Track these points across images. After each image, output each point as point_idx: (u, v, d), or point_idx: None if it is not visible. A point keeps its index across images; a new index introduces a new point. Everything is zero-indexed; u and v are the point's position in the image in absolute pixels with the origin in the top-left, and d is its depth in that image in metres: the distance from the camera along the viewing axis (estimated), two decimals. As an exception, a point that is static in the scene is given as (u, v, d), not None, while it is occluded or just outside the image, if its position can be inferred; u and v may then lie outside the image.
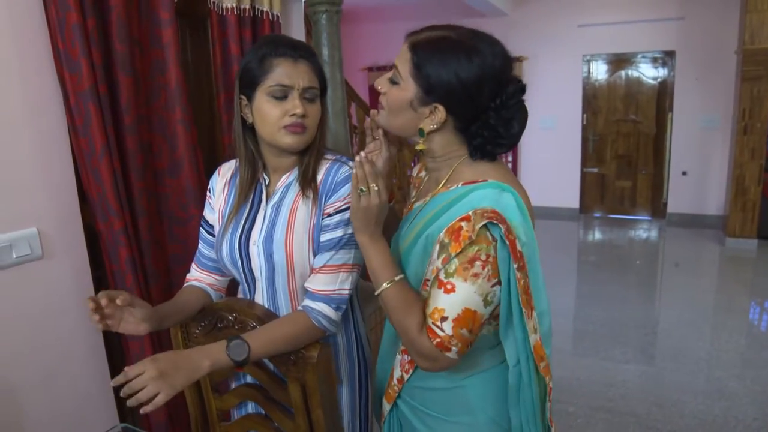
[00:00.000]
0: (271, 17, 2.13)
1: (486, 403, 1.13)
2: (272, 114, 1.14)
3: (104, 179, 1.56)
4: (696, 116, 6.28)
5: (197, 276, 1.35)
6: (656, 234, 6.39)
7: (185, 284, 1.35)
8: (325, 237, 1.18)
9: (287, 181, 1.23)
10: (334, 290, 1.16)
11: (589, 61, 6.76)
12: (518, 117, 1.04)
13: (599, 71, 6.78)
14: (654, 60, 6.51)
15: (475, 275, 0.97)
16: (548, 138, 6.89)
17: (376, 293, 1.05)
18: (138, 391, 0.99)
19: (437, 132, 1.05)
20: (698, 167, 6.38)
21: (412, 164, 5.39)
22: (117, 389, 1.74)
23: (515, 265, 0.97)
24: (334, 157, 1.23)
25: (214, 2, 1.94)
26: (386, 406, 1.23)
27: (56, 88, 1.53)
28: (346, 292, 1.17)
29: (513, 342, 1.03)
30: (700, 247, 5.74)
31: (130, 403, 0.99)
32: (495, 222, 0.95)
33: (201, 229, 1.36)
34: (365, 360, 1.36)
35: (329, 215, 1.18)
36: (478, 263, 0.97)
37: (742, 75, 5.11)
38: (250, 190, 1.26)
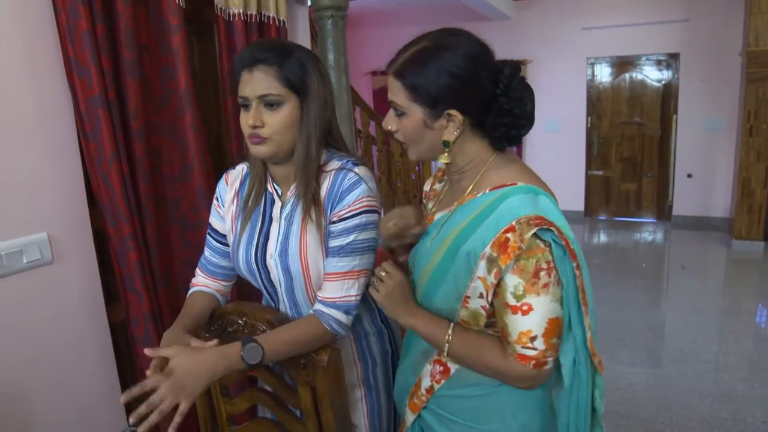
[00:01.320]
0: (277, 23, 2.14)
1: (518, 409, 1.11)
2: (242, 125, 1.15)
3: (114, 184, 1.57)
4: (701, 118, 6.27)
5: (204, 282, 1.35)
6: (662, 236, 6.37)
7: (192, 289, 1.35)
8: (330, 244, 1.18)
9: (295, 191, 1.22)
10: (341, 297, 1.16)
11: (593, 64, 6.76)
12: (526, 95, 1.05)
13: (603, 74, 6.78)
14: (658, 62, 6.50)
15: (545, 285, 0.96)
16: (553, 141, 6.88)
17: (444, 356, 1.09)
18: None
19: (458, 138, 1.05)
20: (703, 169, 6.36)
21: (417, 168, 5.39)
22: (124, 384, 1.76)
23: (574, 264, 0.98)
24: (339, 163, 1.20)
25: (221, 8, 1.96)
26: (410, 416, 1.21)
27: (66, 94, 1.54)
28: (353, 298, 1.17)
29: (572, 342, 1.01)
30: (706, 249, 5.72)
31: (151, 419, 0.99)
32: (545, 227, 0.95)
33: (208, 236, 1.36)
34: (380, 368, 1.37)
35: (334, 223, 1.17)
36: (542, 273, 0.96)
37: (746, 77, 5.10)
38: (258, 201, 1.26)
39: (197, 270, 1.38)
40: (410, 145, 1.09)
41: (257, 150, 1.15)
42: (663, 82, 6.51)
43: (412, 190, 5.79)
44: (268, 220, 1.25)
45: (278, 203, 1.25)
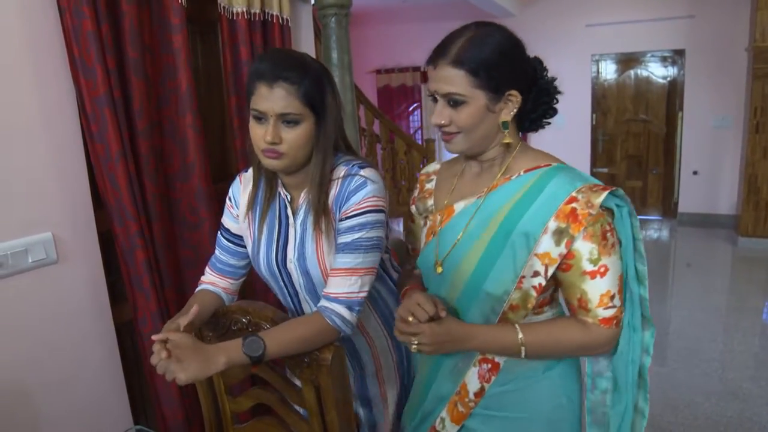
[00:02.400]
0: (281, 21, 2.14)
1: (566, 383, 1.16)
2: (255, 135, 1.16)
3: (120, 184, 1.58)
4: (707, 115, 6.23)
5: (212, 279, 1.37)
6: (667, 234, 6.34)
7: (199, 287, 1.37)
8: (338, 240, 1.20)
9: (307, 197, 1.24)
10: (344, 293, 1.17)
11: (597, 61, 6.73)
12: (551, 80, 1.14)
13: (608, 71, 6.75)
14: (663, 59, 6.46)
15: (612, 245, 1.04)
16: (557, 138, 6.82)
17: (526, 357, 1.08)
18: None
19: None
20: (709, 166, 6.32)
21: (421, 165, 5.38)
22: (131, 392, 1.77)
23: (637, 222, 1.06)
24: (345, 169, 1.21)
25: (224, 7, 1.96)
26: (450, 428, 1.19)
27: (72, 94, 1.55)
28: (356, 295, 1.18)
29: (630, 299, 1.08)
30: (712, 246, 5.69)
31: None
32: (611, 191, 1.03)
33: (220, 235, 1.38)
34: (409, 359, 1.42)
35: (341, 220, 1.19)
36: (609, 235, 1.03)
37: (753, 73, 5.06)
38: (270, 204, 1.28)
39: (207, 268, 1.40)
40: (465, 134, 1.07)
41: (271, 163, 1.17)
42: (668, 78, 6.48)
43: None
44: (285, 225, 1.28)
45: (290, 209, 1.27)
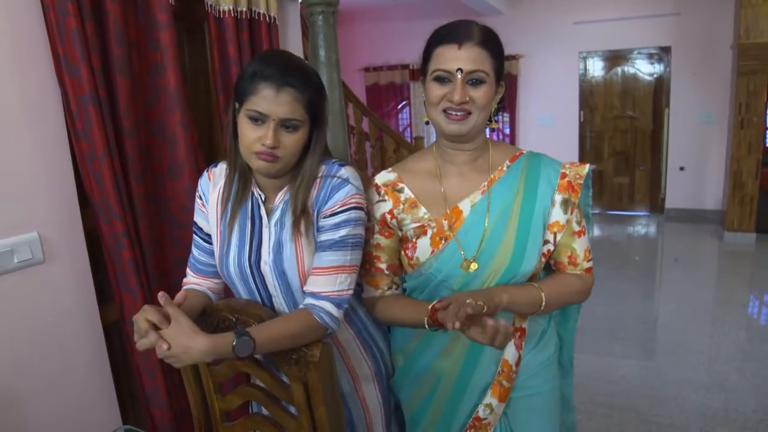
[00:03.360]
0: (268, 19, 2.14)
1: (555, 333, 1.39)
2: (248, 135, 1.13)
3: (106, 182, 1.57)
4: (692, 111, 6.29)
5: (194, 281, 1.35)
6: (655, 229, 6.40)
7: (184, 288, 1.35)
8: (321, 237, 1.19)
9: (285, 197, 1.22)
10: (333, 291, 1.17)
11: (585, 58, 6.78)
12: None
13: (595, 68, 6.79)
14: (650, 56, 6.52)
15: (581, 211, 1.27)
16: (545, 135, 6.90)
17: (542, 310, 1.20)
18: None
19: None
20: (696, 162, 6.39)
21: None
22: (120, 392, 1.76)
23: (590, 192, 1.29)
24: (325, 168, 1.21)
25: (211, 5, 1.95)
26: (497, 407, 1.26)
27: (56, 92, 1.54)
28: (345, 292, 1.18)
29: None
30: (699, 241, 5.75)
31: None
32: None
33: (194, 235, 1.35)
34: (389, 358, 1.41)
35: (325, 217, 1.18)
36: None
37: (737, 70, 5.12)
38: (242, 203, 1.25)
39: (187, 270, 1.37)
40: (477, 114, 1.14)
41: (264, 166, 1.14)
42: (655, 75, 6.54)
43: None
44: (258, 225, 1.25)
45: (264, 209, 1.25)
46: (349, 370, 1.35)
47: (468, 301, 1.00)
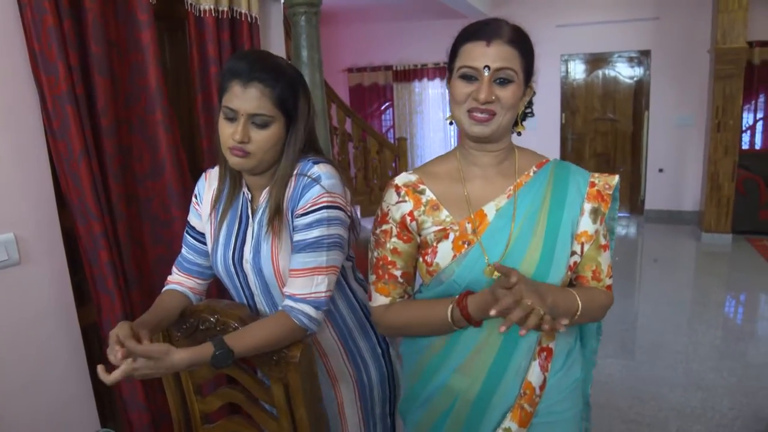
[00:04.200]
0: (249, 19, 2.13)
1: (579, 359, 1.27)
2: (223, 132, 1.15)
3: (83, 182, 1.55)
4: (671, 114, 6.40)
5: (178, 279, 1.35)
6: (634, 230, 6.49)
7: (165, 287, 1.35)
8: (296, 238, 1.18)
9: (267, 197, 1.23)
10: (310, 293, 1.16)
11: (567, 61, 6.85)
12: None
13: (577, 71, 6.87)
14: (630, 59, 6.61)
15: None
16: (527, 137, 6.69)
17: (574, 320, 1.08)
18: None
19: None
20: (674, 164, 6.49)
21: (393, 165, 5.39)
22: (98, 395, 1.74)
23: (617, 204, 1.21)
24: (299, 165, 1.21)
25: (191, 4, 1.93)
26: (517, 431, 1.14)
27: (33, 90, 1.51)
28: (323, 294, 1.17)
29: None
30: (677, 242, 5.84)
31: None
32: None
33: (186, 233, 1.36)
34: (391, 360, 1.42)
35: (298, 217, 1.17)
36: None
37: (714, 74, 5.21)
38: (231, 203, 1.27)
39: (173, 267, 1.37)
40: (502, 115, 1.08)
41: (237, 162, 1.16)
42: (635, 78, 6.63)
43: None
44: (244, 224, 1.26)
45: (250, 208, 1.26)
46: (329, 373, 1.35)
47: (528, 302, 0.93)
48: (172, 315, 1.26)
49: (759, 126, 6.24)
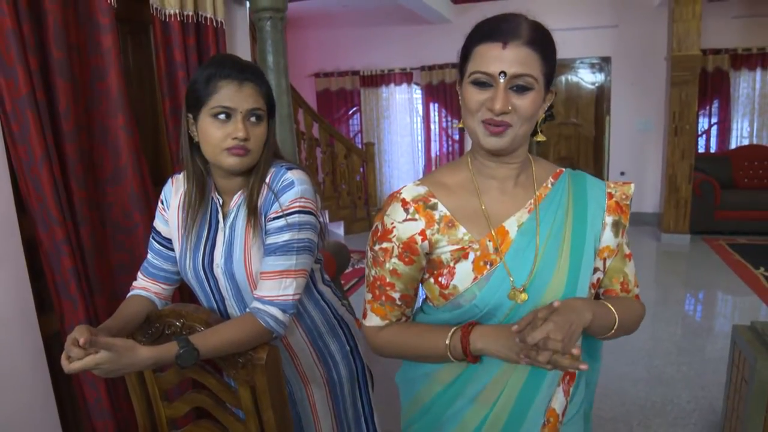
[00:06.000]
0: (215, 24, 2.13)
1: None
2: (215, 135, 1.16)
3: (45, 188, 1.52)
4: (632, 119, 6.60)
5: (143, 284, 1.34)
6: (598, 232, 6.64)
7: (130, 293, 1.34)
8: (267, 241, 1.19)
9: (239, 200, 1.24)
10: (278, 296, 1.17)
11: (531, 67, 6.98)
12: None
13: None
14: (592, 65, 6.80)
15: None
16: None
17: (610, 335, 1.04)
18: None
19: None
20: (635, 167, 6.69)
21: (361, 170, 5.41)
22: (61, 405, 1.70)
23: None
24: (273, 170, 1.23)
25: (156, 8, 1.92)
26: None
27: (-10, 95, 1.48)
28: (290, 297, 1.18)
29: None
30: (638, 242, 6.01)
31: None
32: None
33: (151, 239, 1.35)
34: (362, 360, 1.44)
35: (271, 220, 1.19)
36: None
37: (671, 80, 5.40)
38: (200, 209, 1.27)
39: (139, 273, 1.37)
40: (519, 126, 0.96)
41: (238, 161, 1.17)
42: (596, 84, 6.82)
43: (357, 192, 5.82)
44: (214, 229, 1.27)
45: (221, 213, 1.27)
46: (300, 374, 1.36)
47: (556, 337, 0.84)
48: (136, 320, 1.25)
49: (714, 130, 6.49)
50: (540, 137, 1.06)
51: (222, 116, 1.15)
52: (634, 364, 3.23)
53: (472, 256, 1.01)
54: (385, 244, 1.04)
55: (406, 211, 1.03)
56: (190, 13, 2.02)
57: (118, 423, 1.75)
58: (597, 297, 1.11)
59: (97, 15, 1.67)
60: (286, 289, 1.17)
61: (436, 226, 1.02)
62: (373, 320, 1.09)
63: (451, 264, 1.01)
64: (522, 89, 0.93)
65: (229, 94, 1.14)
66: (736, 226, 5.81)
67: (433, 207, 1.03)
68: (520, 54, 0.92)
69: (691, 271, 5.19)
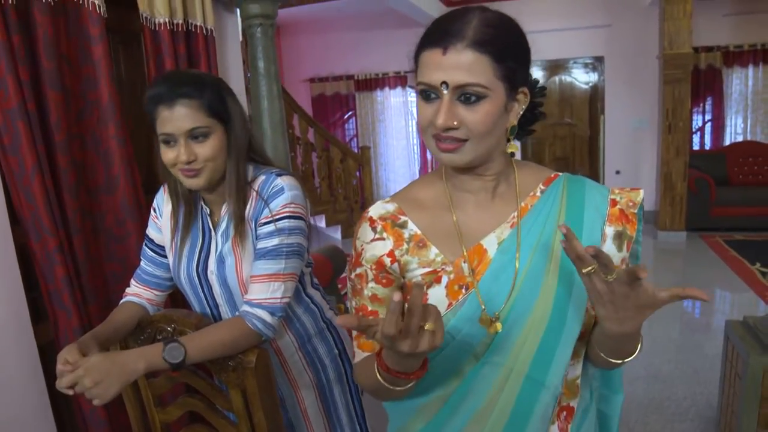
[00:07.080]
0: (205, 32, 2.14)
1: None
2: (167, 159, 1.17)
3: (37, 198, 1.54)
4: (626, 118, 6.62)
5: (136, 291, 1.36)
6: (595, 231, 6.66)
7: (123, 299, 1.35)
8: (258, 245, 1.21)
9: (228, 208, 1.25)
10: (266, 299, 1.18)
11: (525, 68, 7.01)
12: None
13: (536, 77, 7.03)
14: (585, 65, 6.83)
15: None
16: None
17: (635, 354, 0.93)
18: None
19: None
20: (631, 166, 6.71)
21: (357, 174, 5.42)
22: (57, 414, 1.71)
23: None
24: (263, 177, 1.23)
25: (146, 17, 1.94)
26: None
27: (-19, 107, 1.50)
28: (278, 300, 1.19)
29: None
30: (636, 241, 6.02)
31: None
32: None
33: (144, 246, 1.37)
34: (350, 363, 1.43)
35: (260, 226, 1.20)
36: None
37: (663, 78, 5.42)
38: (192, 218, 1.29)
39: (132, 280, 1.38)
40: (476, 141, 0.83)
41: (193, 183, 1.18)
42: (590, 84, 6.85)
43: (353, 196, 5.84)
44: (208, 237, 1.28)
45: (210, 222, 1.29)
46: (290, 380, 1.37)
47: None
48: (128, 326, 1.26)
49: (708, 127, 6.52)
50: (512, 147, 0.90)
51: (167, 141, 1.15)
52: (631, 361, 3.23)
53: (445, 279, 0.89)
54: (358, 270, 0.94)
55: (374, 230, 0.94)
56: (180, 22, 2.04)
57: (111, 426, 1.75)
58: (595, 323, 0.91)
59: (87, 25, 1.68)
60: (275, 292, 1.19)
61: (406, 246, 0.92)
62: (359, 357, 0.95)
63: (432, 287, 0.90)
64: (472, 99, 0.80)
65: (164, 120, 1.13)
66: (732, 222, 5.82)
67: (403, 225, 0.93)
68: (462, 59, 0.79)
69: (687, 268, 5.21)
